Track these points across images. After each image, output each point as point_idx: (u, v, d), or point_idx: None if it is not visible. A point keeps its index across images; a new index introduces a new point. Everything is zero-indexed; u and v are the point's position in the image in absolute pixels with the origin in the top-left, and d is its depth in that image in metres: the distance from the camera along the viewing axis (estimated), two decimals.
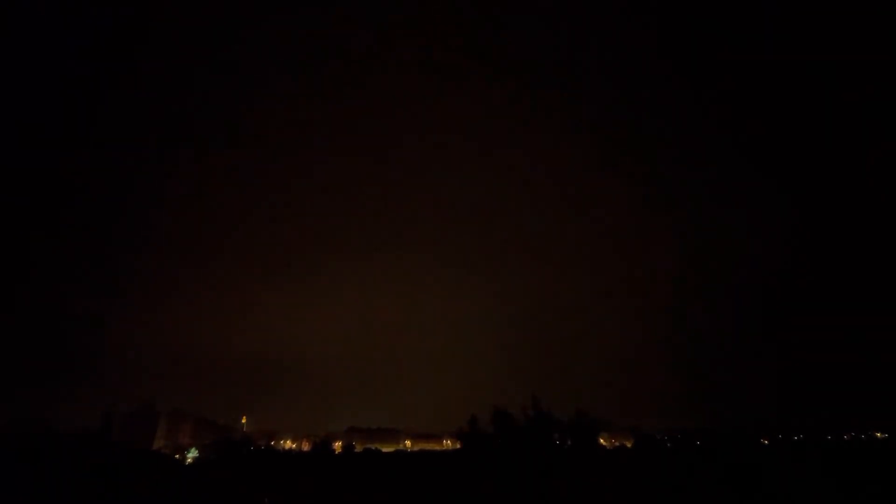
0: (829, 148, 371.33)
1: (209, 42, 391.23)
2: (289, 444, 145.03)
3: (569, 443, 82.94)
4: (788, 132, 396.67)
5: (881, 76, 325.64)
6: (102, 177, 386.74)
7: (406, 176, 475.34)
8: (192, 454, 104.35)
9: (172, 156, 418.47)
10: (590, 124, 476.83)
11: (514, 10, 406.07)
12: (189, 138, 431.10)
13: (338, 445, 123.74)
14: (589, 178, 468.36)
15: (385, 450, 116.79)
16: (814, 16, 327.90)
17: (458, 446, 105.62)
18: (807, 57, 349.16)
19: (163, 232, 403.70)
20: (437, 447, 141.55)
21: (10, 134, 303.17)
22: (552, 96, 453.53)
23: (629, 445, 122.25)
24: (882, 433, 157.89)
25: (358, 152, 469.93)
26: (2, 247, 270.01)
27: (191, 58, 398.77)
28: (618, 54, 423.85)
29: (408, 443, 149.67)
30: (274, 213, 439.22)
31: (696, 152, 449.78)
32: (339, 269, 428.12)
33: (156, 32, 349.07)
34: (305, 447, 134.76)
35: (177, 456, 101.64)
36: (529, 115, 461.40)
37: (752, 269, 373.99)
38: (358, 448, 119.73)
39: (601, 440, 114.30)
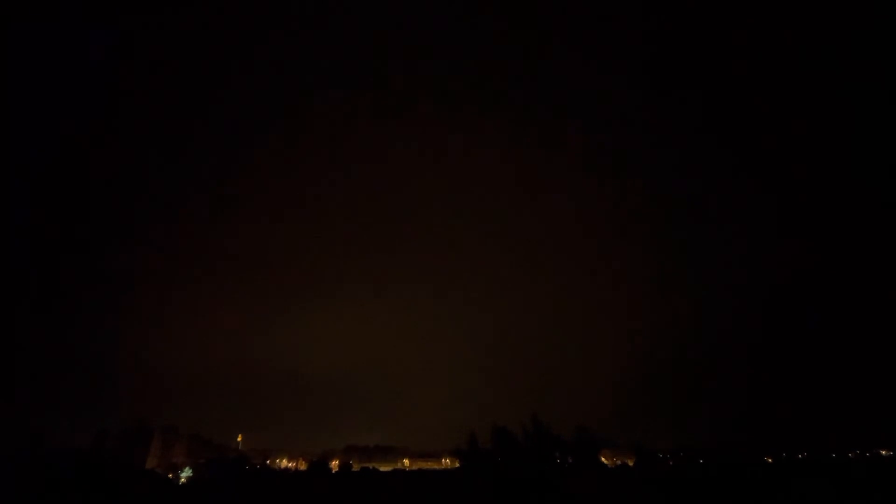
0: (829, 152, 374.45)
1: (230, 60, 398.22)
2: (285, 463, 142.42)
3: (570, 461, 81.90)
4: (787, 138, 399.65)
5: (877, 76, 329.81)
6: (100, 192, 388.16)
7: (407, 205, 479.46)
8: (185, 473, 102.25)
9: (176, 169, 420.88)
10: (581, 142, 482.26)
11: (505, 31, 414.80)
12: (195, 148, 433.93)
13: (335, 464, 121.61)
14: (585, 194, 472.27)
15: (383, 469, 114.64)
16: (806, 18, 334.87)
17: (458, 465, 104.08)
18: (802, 58, 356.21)
19: (161, 248, 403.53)
20: (435, 466, 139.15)
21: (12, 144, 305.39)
22: (543, 123, 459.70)
23: (631, 463, 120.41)
24: (887, 451, 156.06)
25: (362, 189, 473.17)
26: None
27: (211, 80, 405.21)
28: (607, 68, 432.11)
29: (406, 462, 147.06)
30: (274, 235, 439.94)
31: (696, 162, 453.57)
32: (339, 288, 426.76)
33: (179, 38, 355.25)
34: (302, 466, 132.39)
35: (170, 475, 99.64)
36: (520, 144, 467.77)
37: (756, 283, 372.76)
38: (355, 467, 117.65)
39: (602, 458, 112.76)
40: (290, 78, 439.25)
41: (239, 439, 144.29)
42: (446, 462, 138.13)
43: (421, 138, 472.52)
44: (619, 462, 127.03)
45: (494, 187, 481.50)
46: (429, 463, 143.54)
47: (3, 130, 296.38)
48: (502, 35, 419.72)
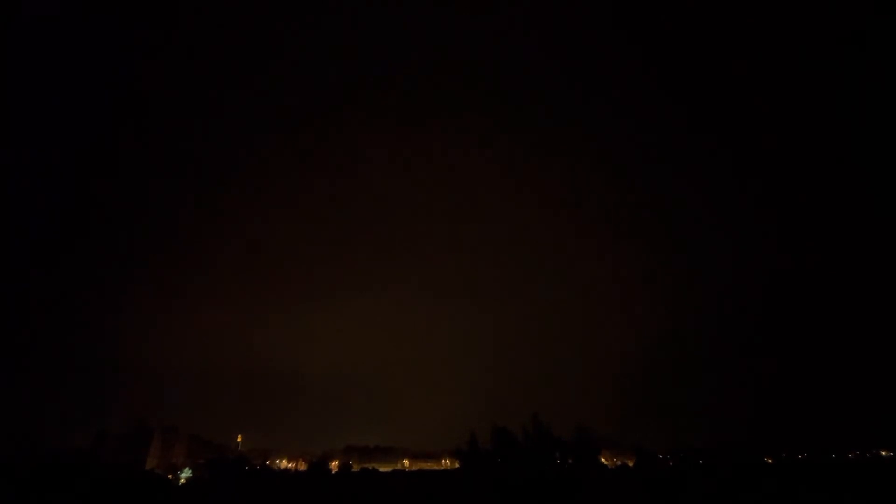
0: (829, 152, 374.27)
1: (229, 61, 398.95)
2: (285, 464, 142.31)
3: (570, 461, 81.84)
4: (787, 138, 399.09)
5: (877, 76, 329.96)
6: (100, 192, 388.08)
7: (406, 206, 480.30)
8: (185, 474, 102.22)
9: (176, 169, 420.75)
10: (581, 143, 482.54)
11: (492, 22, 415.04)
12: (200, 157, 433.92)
13: (334, 465, 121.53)
14: (585, 194, 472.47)
15: (383, 469, 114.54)
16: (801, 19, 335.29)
17: (458, 465, 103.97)
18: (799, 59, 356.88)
19: (161, 248, 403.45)
20: (435, 466, 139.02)
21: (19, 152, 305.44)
22: (542, 129, 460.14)
23: (631, 464, 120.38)
24: (887, 451, 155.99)
25: (362, 190, 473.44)
26: None
27: (213, 81, 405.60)
28: (607, 68, 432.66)
29: (406, 462, 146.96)
30: (274, 235, 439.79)
31: (696, 162, 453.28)
32: (339, 288, 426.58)
33: (178, 38, 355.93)
34: (302, 467, 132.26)
35: (170, 476, 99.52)
36: (520, 145, 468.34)
37: (756, 283, 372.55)
38: (355, 467, 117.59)
39: (602, 458, 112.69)
40: (293, 79, 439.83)
41: (239, 440, 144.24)
42: (446, 462, 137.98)
43: (422, 140, 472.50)
44: (619, 462, 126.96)
45: (494, 188, 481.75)
46: (429, 463, 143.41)
47: (3, 130, 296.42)
48: (500, 36, 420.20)
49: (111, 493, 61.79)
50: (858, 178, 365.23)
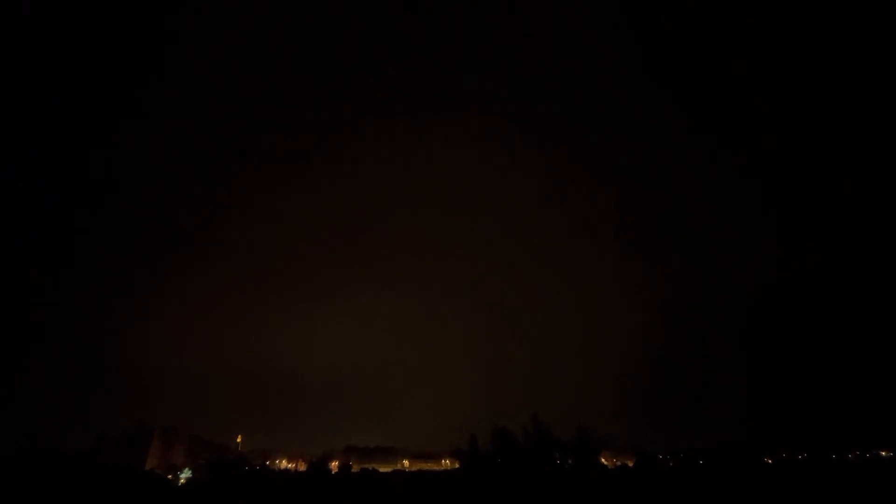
0: (829, 152, 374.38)
1: (229, 59, 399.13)
2: (285, 464, 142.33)
3: (570, 462, 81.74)
4: (787, 138, 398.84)
5: (877, 76, 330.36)
6: (100, 193, 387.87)
7: (408, 207, 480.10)
8: (185, 474, 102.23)
9: (176, 169, 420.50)
10: (582, 143, 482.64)
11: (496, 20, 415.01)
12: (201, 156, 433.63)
13: (334, 465, 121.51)
14: (586, 194, 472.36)
15: (383, 470, 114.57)
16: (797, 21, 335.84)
17: (457, 466, 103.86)
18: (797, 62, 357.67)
19: (160, 247, 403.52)
20: (435, 467, 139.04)
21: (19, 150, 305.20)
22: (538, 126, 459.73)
23: (631, 464, 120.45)
24: (887, 451, 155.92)
25: (364, 190, 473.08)
26: None
27: (213, 81, 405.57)
28: (607, 68, 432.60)
29: (406, 462, 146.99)
30: (274, 236, 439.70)
31: (696, 162, 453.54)
32: (339, 288, 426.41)
33: (187, 45, 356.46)
34: (302, 467, 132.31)
35: (169, 476, 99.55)
36: (521, 146, 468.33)
37: (756, 283, 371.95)
38: (355, 468, 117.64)
39: (602, 458, 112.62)
40: (293, 79, 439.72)
41: (238, 440, 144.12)
42: (446, 463, 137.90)
43: (422, 140, 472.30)
44: (619, 462, 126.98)
45: (494, 188, 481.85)
46: (429, 464, 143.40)
47: (3, 130, 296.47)
48: (501, 36, 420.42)
49: (111, 494, 61.81)
50: (858, 178, 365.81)
